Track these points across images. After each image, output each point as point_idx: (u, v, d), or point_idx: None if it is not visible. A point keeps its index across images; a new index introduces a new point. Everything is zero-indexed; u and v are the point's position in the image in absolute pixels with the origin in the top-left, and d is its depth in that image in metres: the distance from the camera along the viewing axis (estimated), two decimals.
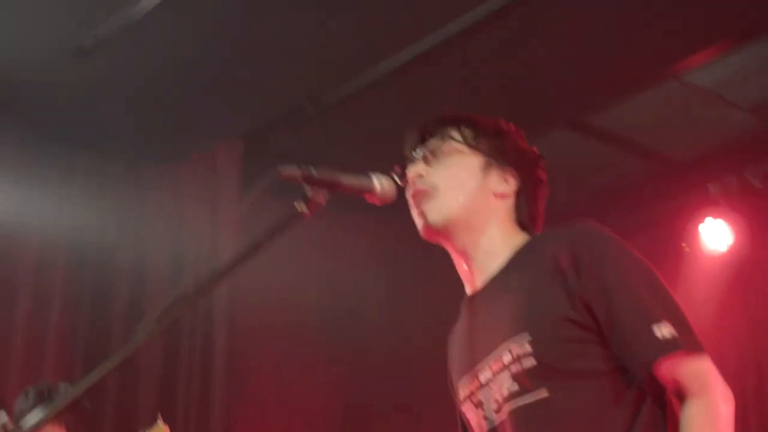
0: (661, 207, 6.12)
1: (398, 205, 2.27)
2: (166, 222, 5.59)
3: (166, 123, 5.32)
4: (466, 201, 2.22)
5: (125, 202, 5.53)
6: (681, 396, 1.98)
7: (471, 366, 2.19)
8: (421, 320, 5.93)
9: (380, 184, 2.06)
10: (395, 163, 2.25)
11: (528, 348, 2.03)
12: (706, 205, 5.85)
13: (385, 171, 2.16)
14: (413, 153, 2.29)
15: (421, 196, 2.24)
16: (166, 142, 5.48)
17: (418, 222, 2.26)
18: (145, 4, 4.36)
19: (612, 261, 2.05)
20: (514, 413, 2.05)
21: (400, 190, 2.18)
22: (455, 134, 2.28)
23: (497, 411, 2.10)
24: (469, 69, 4.86)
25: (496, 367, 2.10)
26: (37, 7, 4.40)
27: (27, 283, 5.17)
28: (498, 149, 2.27)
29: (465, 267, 2.27)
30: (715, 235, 5.82)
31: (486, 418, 2.13)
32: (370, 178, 2.07)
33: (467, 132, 2.28)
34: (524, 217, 2.28)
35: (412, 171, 2.26)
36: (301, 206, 1.92)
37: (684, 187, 5.95)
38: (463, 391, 2.23)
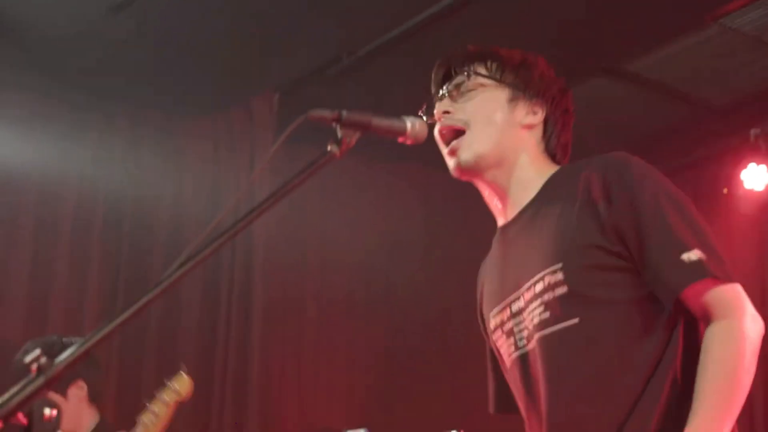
0: (703, 152, 6.06)
1: (434, 153, 2.28)
2: (204, 173, 5.63)
3: (202, 75, 5.34)
4: (495, 135, 2.21)
5: (163, 154, 5.58)
6: (709, 321, 1.98)
7: (504, 296, 2.21)
8: (459, 267, 5.99)
9: (412, 124, 2.06)
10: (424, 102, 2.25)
11: (560, 276, 2.05)
12: (747, 149, 5.79)
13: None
14: (440, 90, 2.29)
15: (451, 133, 2.24)
16: (202, 95, 5.50)
17: (449, 161, 2.25)
18: None
19: (644, 189, 2.04)
20: (544, 340, 2.08)
21: (432, 130, 2.18)
22: (480, 69, 2.27)
23: (528, 339, 2.12)
24: (503, 16, 4.80)
25: (528, 296, 2.12)
26: None
27: (66, 235, 5.24)
28: (524, 81, 2.26)
29: (497, 201, 2.28)
30: (757, 179, 5.76)
31: (516, 347, 2.16)
32: (401, 119, 2.06)
33: (492, 65, 2.27)
34: (553, 146, 2.28)
35: (439, 108, 2.26)
36: (332, 147, 1.91)
37: (725, 132, 5.89)
38: (494, 321, 2.25)
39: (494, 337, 2.26)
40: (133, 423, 3.51)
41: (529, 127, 2.26)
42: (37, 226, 5.19)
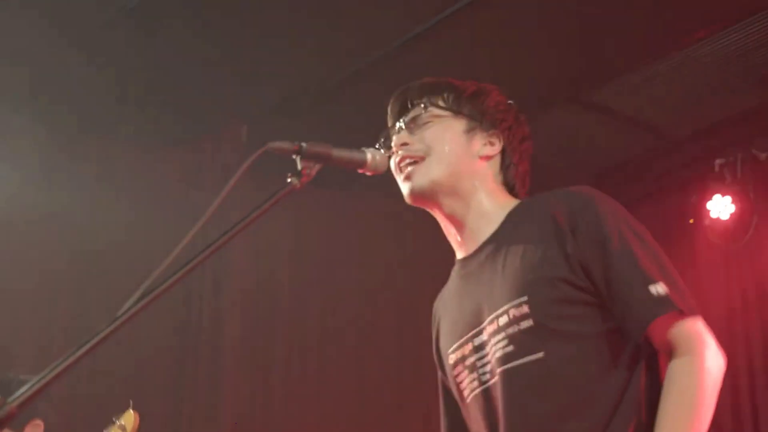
0: (668, 182, 6.11)
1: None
2: (173, 203, 5.61)
3: (172, 107, 5.34)
4: (451, 164, 2.21)
5: (132, 185, 5.56)
6: (672, 355, 1.99)
7: (465, 331, 2.19)
8: (431, 297, 6.01)
9: (372, 156, 2.07)
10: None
11: (525, 309, 2.04)
12: (712, 179, 5.84)
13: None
14: (396, 123, 2.29)
15: (406, 162, 2.23)
16: (172, 126, 5.50)
17: (404, 187, 2.24)
18: None
19: (608, 223, 2.05)
20: (506, 373, 2.06)
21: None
22: (437, 100, 2.27)
23: (491, 373, 2.10)
24: (467, 47, 4.85)
25: (491, 329, 2.10)
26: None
27: (35, 265, 5.21)
28: (480, 111, 2.26)
29: (455, 233, 2.26)
30: (722, 210, 5.81)
31: (480, 381, 2.13)
32: (362, 151, 2.07)
33: (449, 97, 2.28)
34: (511, 177, 2.28)
35: (396, 141, 2.25)
36: (293, 179, 1.92)
37: (690, 162, 5.94)
38: (454, 356, 2.21)
39: (455, 372, 2.21)
40: None
41: (487, 158, 2.25)
42: (3, 257, 5.14)
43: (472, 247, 2.23)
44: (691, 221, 5.99)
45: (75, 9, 4.53)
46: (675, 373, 1.96)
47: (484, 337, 2.12)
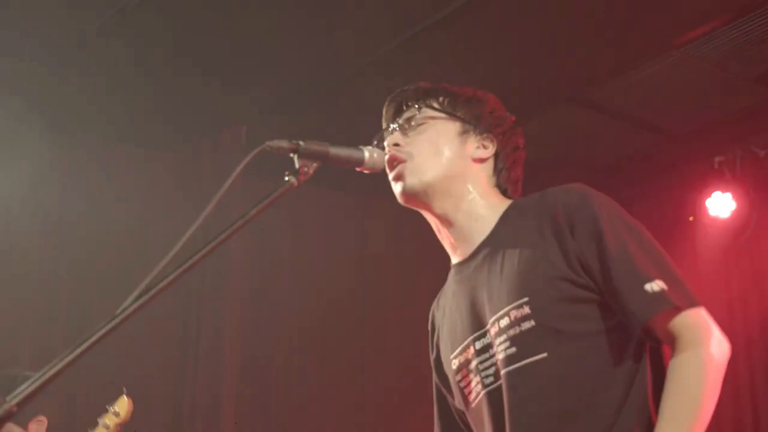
0: (667, 180, 6.11)
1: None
2: (171, 206, 5.61)
3: (170, 109, 5.35)
4: (443, 165, 2.21)
5: (130, 187, 5.57)
6: (675, 346, 1.98)
7: (465, 335, 2.18)
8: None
9: (370, 154, 2.07)
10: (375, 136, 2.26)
11: (527, 310, 2.03)
12: (712, 177, 5.84)
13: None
14: (391, 124, 2.29)
15: (398, 162, 2.22)
16: (170, 128, 5.51)
17: (395, 187, 2.24)
18: None
19: (603, 220, 2.04)
20: (510, 375, 2.05)
21: None
22: (432, 102, 2.28)
23: (495, 375, 2.09)
24: (468, 46, 4.85)
25: (493, 331, 2.10)
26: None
27: (33, 266, 5.22)
28: (474, 115, 2.27)
29: (448, 235, 2.25)
30: (721, 207, 5.81)
31: (484, 384, 2.12)
32: (359, 149, 2.07)
33: (444, 100, 2.28)
34: (504, 181, 2.27)
35: (390, 141, 2.25)
36: (290, 177, 1.92)
37: (690, 160, 5.94)
38: (456, 361, 2.21)
39: (459, 377, 2.21)
40: None
41: (480, 160, 2.25)
42: (4, 259, 5.15)
43: (468, 250, 2.22)
44: (691, 219, 5.99)
45: (72, 12, 4.53)
46: (679, 365, 1.95)
47: (487, 340, 2.12)
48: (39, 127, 5.27)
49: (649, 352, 2.03)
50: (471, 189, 2.22)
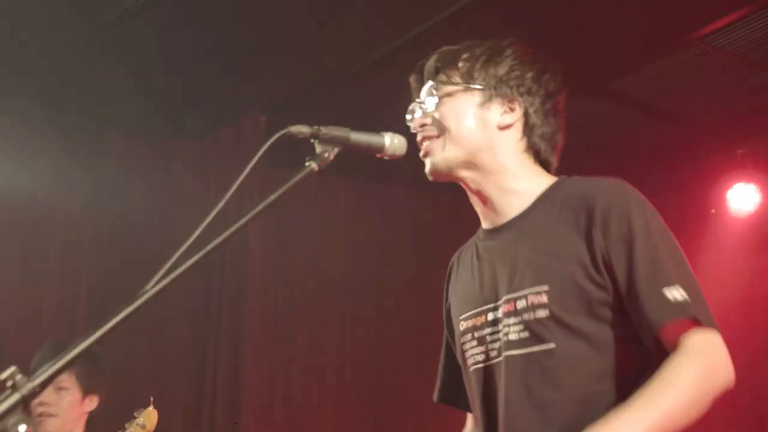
0: (689, 172, 6.08)
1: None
2: (193, 195, 5.64)
3: (191, 98, 5.36)
4: (466, 141, 2.17)
5: (152, 177, 5.60)
6: (677, 350, 1.91)
7: (481, 302, 2.17)
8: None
9: (390, 140, 2.06)
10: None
11: (544, 298, 2.02)
12: (734, 169, 5.81)
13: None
14: (415, 101, 2.27)
15: (424, 141, 2.22)
16: (191, 117, 5.52)
17: (426, 165, 2.22)
18: None
19: (639, 224, 2.01)
20: (515, 359, 2.04)
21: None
22: (451, 75, 2.23)
23: (497, 351, 2.09)
24: (487, 34, 4.82)
25: (506, 308, 2.08)
26: None
27: (56, 256, 5.25)
28: (496, 78, 2.21)
29: (480, 204, 2.23)
30: (744, 199, 5.78)
31: (487, 357, 2.12)
32: (380, 135, 2.06)
33: (462, 67, 2.23)
34: (535, 141, 2.21)
35: (415, 120, 2.24)
36: (311, 162, 1.93)
37: (711, 151, 5.91)
38: (465, 324, 2.20)
39: (463, 339, 2.21)
40: None
41: (507, 127, 2.19)
42: (27, 249, 5.18)
43: (500, 220, 2.19)
44: (713, 211, 5.96)
45: (94, 3, 4.55)
46: (677, 362, 1.89)
47: (499, 314, 2.10)
48: (57, 117, 5.30)
49: (656, 364, 1.95)
50: (501, 160, 2.17)
